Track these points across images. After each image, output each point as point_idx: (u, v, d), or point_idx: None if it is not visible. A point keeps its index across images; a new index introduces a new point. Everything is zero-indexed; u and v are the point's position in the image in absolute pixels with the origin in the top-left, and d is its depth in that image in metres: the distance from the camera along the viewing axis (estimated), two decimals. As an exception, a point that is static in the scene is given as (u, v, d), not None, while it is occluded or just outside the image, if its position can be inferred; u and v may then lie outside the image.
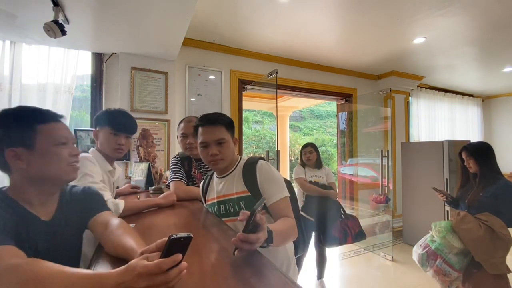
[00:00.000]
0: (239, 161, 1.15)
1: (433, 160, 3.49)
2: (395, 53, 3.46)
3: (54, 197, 0.82)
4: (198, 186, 1.67)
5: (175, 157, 1.73)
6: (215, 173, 1.19)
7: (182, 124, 1.70)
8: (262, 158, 1.13)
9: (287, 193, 1.05)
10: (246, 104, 4.39)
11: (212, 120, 1.08)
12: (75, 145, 0.88)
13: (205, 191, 1.24)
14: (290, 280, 0.66)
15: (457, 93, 5.42)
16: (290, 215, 1.02)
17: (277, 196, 1.03)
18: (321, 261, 2.65)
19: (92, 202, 0.89)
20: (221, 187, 1.14)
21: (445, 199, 2.10)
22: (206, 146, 1.07)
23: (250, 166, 1.08)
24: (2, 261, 0.53)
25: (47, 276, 0.51)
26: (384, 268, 3.09)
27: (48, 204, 0.80)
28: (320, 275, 2.67)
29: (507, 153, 5.46)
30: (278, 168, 2.79)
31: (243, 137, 3.43)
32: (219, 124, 1.08)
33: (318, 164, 2.66)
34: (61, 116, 0.82)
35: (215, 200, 1.15)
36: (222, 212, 1.14)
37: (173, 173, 1.65)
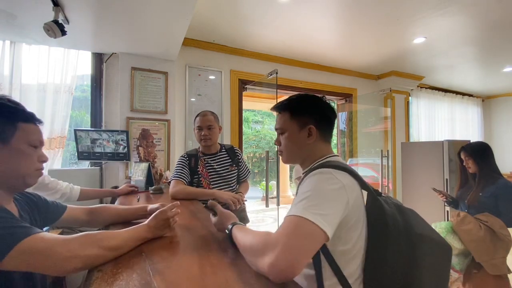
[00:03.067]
0: (319, 161, 0.89)
1: (433, 160, 3.49)
2: (395, 53, 3.46)
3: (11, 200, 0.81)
4: (203, 183, 1.70)
5: (182, 156, 1.79)
6: None
7: (198, 118, 1.75)
8: (342, 167, 0.79)
9: (296, 212, 0.66)
10: (246, 104, 4.39)
11: (276, 107, 0.97)
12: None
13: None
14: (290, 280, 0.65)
15: (457, 93, 5.42)
16: (276, 233, 0.65)
17: (288, 213, 0.71)
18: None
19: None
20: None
21: (444, 200, 2.10)
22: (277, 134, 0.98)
23: (308, 173, 0.83)
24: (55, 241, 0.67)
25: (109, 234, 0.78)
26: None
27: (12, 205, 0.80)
28: None
29: (507, 153, 5.46)
30: (277, 168, 2.79)
31: (243, 137, 3.43)
32: (283, 111, 0.94)
33: None
34: (41, 122, 0.83)
35: None
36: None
37: (174, 171, 1.69)
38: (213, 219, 0.94)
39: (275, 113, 1.02)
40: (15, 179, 0.76)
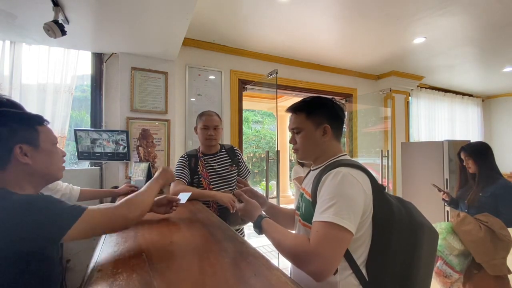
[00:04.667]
0: (332, 159, 0.95)
1: (433, 160, 3.49)
2: (395, 53, 3.46)
3: None
4: (203, 183, 1.69)
5: (182, 156, 1.79)
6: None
7: (204, 118, 1.75)
8: (356, 166, 0.87)
9: (328, 218, 0.74)
10: (246, 104, 4.39)
11: (292, 108, 1.01)
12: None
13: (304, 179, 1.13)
14: (290, 280, 0.66)
15: (457, 93, 5.42)
16: (315, 241, 0.73)
17: (317, 216, 0.78)
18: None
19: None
20: (308, 179, 1.03)
21: (444, 197, 2.11)
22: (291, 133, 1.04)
23: (325, 170, 0.87)
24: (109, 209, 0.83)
25: (139, 195, 0.95)
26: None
27: None
28: None
29: (507, 153, 5.46)
30: (277, 168, 2.79)
31: (243, 137, 3.43)
32: (299, 112, 0.99)
33: None
34: (48, 122, 0.91)
35: (301, 190, 1.05)
36: (297, 204, 1.04)
37: (175, 172, 1.70)
38: (239, 205, 1.04)
39: (289, 114, 1.05)
40: (50, 176, 0.86)
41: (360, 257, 0.83)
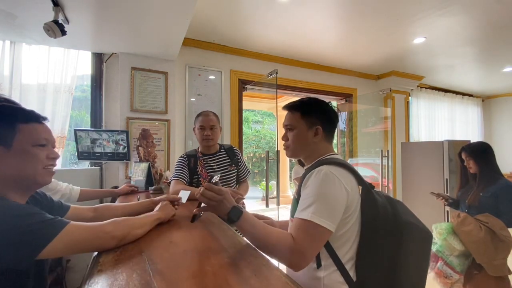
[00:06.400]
0: (322, 158, 0.97)
1: (433, 160, 3.49)
2: (395, 53, 3.46)
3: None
4: (202, 184, 1.69)
5: (181, 156, 1.78)
6: None
7: (200, 118, 1.75)
8: (339, 163, 0.88)
9: (307, 216, 0.78)
10: (246, 104, 4.39)
11: (288, 106, 1.04)
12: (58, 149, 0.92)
13: None
14: (290, 280, 0.65)
15: (457, 93, 5.42)
16: (297, 239, 0.77)
17: (299, 213, 0.82)
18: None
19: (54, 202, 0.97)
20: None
21: (445, 202, 2.10)
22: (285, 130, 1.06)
23: (310, 169, 0.90)
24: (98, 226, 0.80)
25: (131, 219, 0.92)
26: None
27: None
28: None
29: (507, 153, 5.46)
30: (277, 168, 2.78)
31: (243, 137, 3.43)
32: (294, 111, 1.01)
33: None
34: (45, 118, 0.81)
35: None
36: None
37: (174, 172, 1.69)
38: (207, 192, 0.87)
39: (285, 112, 1.07)
40: (25, 180, 0.76)
41: (346, 254, 0.85)
